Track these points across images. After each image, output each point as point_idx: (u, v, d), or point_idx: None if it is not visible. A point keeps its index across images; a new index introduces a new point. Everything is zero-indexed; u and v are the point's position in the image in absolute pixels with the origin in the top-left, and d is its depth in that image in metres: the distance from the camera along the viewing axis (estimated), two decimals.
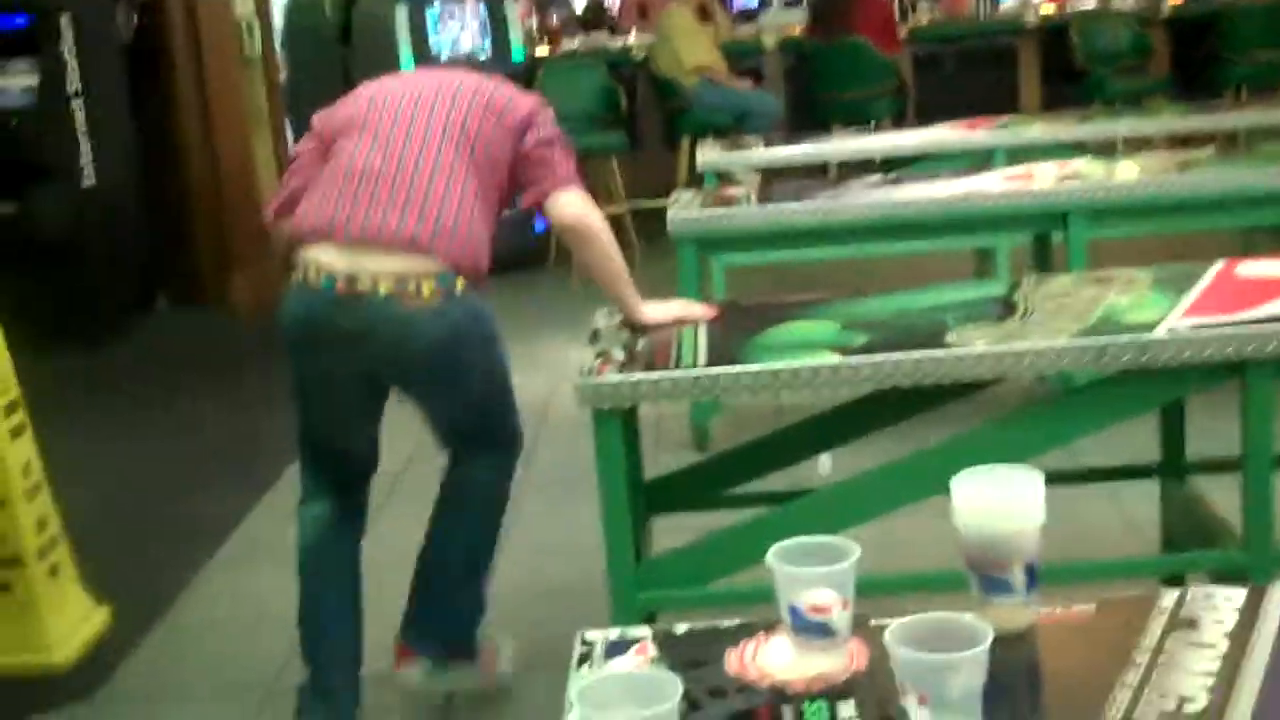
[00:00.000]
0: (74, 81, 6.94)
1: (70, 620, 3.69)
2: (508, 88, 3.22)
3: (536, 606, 3.79)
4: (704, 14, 9.23)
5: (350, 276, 2.91)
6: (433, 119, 3.05)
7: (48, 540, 3.65)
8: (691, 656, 1.63)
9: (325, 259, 2.95)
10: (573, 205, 3.09)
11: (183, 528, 4.60)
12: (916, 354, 2.68)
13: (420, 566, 3.26)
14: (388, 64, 7.86)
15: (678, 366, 2.76)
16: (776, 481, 3.65)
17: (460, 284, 2.96)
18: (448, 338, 2.97)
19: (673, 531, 3.24)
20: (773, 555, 1.61)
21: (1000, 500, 1.63)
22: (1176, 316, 2.75)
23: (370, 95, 3.19)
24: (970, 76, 9.87)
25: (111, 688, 3.56)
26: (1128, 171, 4.73)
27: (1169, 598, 1.66)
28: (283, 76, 8.31)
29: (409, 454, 5.11)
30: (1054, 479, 1.67)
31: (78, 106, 6.96)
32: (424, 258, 2.92)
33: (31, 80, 6.95)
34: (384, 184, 2.96)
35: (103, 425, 5.67)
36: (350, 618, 3.19)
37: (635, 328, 3.07)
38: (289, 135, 8.20)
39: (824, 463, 3.71)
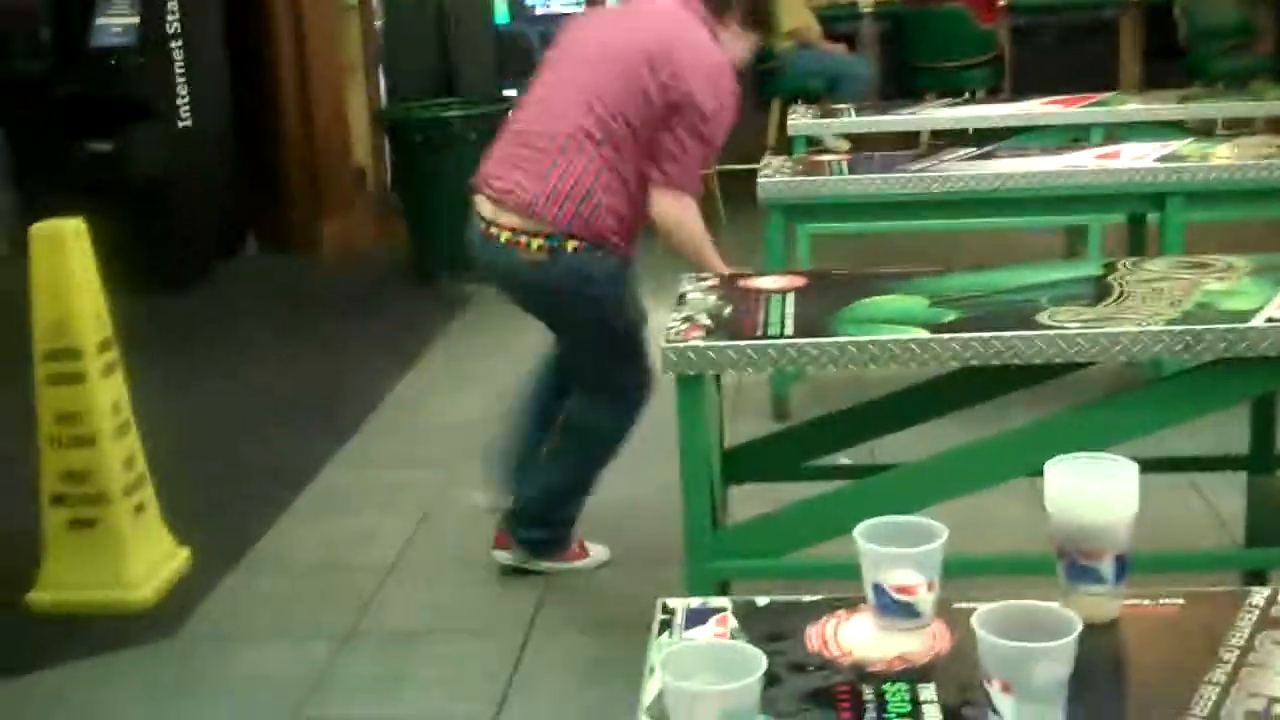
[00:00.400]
0: (173, 23, 7.01)
1: (153, 558, 3.76)
2: (689, 60, 3.32)
3: (611, 567, 3.82)
4: None
5: (488, 221, 3.43)
6: (594, 84, 3.36)
7: (134, 479, 3.71)
8: (772, 629, 1.63)
9: (479, 205, 3.48)
10: (667, 211, 3.38)
11: (265, 472, 4.65)
12: (1008, 333, 2.65)
13: (529, 475, 3.71)
14: (483, 16, 7.88)
15: (765, 336, 2.75)
16: (856, 455, 3.66)
17: (571, 245, 3.34)
18: (544, 288, 3.42)
19: (749, 500, 3.24)
20: (860, 533, 1.61)
21: (1095, 490, 1.62)
22: (1274, 307, 2.70)
23: (566, 42, 3.60)
24: (1069, 50, 9.70)
25: (192, 626, 3.62)
26: (1227, 154, 4.64)
27: (1259, 595, 1.64)
28: (379, 24, 8.34)
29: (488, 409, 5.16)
30: (1138, 467, 1.65)
31: (176, 48, 7.03)
32: (538, 220, 3.34)
33: (132, 20, 7.02)
34: (525, 148, 3.42)
35: (189, 367, 5.76)
36: (523, 431, 3.73)
37: (722, 295, 3.07)
38: (383, 83, 8.24)
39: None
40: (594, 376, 3.58)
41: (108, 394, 3.63)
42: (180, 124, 7.07)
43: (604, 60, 3.40)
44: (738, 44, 3.51)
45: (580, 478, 3.70)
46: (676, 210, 3.38)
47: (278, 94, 7.71)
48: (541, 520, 3.73)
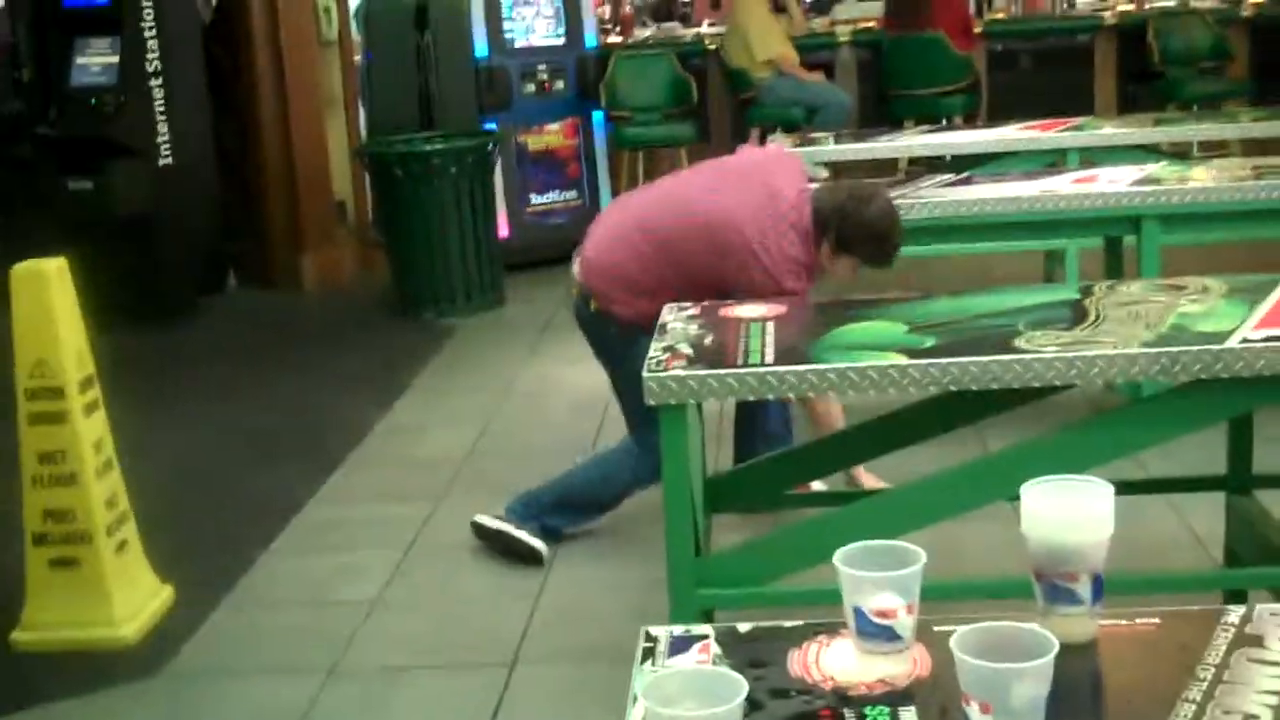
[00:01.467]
0: (153, 61, 7.02)
1: (138, 596, 3.75)
2: (757, 260, 3.57)
3: (601, 597, 3.82)
4: (777, 5, 9.23)
5: None
6: (679, 212, 3.77)
7: (116, 517, 3.70)
8: (754, 656, 1.64)
9: None
10: None
11: (248, 508, 4.64)
12: (986, 358, 2.67)
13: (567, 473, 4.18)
14: (462, 49, 7.91)
15: (745, 364, 2.77)
16: (838, 482, 3.65)
17: (592, 303, 3.86)
18: (583, 326, 3.97)
19: (733, 529, 3.24)
20: (839, 558, 1.62)
21: (1070, 511, 1.63)
22: (1249, 328, 2.72)
23: (710, 164, 4.12)
24: (1045, 74, 9.76)
25: (178, 663, 3.60)
26: (1202, 176, 4.68)
27: (1235, 614, 1.65)
28: (358, 59, 8.37)
29: (471, 444, 5.16)
30: (1118, 488, 1.66)
31: (157, 86, 7.04)
32: (582, 275, 3.89)
33: (112, 59, 7.04)
34: (607, 227, 3.93)
35: (172, 404, 5.75)
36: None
37: (702, 324, 3.09)
38: (362, 118, 8.26)
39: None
40: (631, 421, 3.95)
41: (90, 432, 3.63)
42: (161, 161, 7.08)
43: (694, 197, 3.79)
44: (842, 267, 3.67)
45: (596, 499, 4.09)
46: None
47: (258, 129, 7.73)
48: (538, 511, 4.08)
